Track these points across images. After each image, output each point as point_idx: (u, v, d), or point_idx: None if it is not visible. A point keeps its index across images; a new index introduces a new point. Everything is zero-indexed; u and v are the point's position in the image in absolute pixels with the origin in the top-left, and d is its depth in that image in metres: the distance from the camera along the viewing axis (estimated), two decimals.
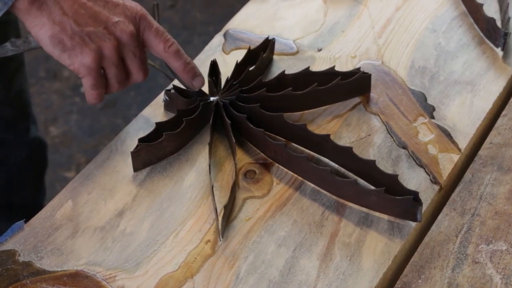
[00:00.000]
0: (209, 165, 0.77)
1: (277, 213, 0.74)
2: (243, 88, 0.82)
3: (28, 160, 1.29)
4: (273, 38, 0.90)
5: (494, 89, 0.86)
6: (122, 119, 1.80)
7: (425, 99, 0.85)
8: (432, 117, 0.83)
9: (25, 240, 0.72)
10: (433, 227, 0.73)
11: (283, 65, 0.90)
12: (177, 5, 2.11)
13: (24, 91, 1.24)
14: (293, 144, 0.80)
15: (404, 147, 0.80)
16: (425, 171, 0.77)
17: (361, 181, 0.75)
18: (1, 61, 1.13)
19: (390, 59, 0.90)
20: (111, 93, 0.81)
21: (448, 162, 0.78)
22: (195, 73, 0.81)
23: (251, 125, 0.78)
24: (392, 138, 0.81)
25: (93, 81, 0.77)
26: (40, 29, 0.75)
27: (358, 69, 0.85)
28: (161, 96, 0.85)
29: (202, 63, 0.90)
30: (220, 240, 0.71)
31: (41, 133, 1.36)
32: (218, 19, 2.06)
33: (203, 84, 0.82)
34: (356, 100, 0.85)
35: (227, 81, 0.84)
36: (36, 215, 0.75)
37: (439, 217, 0.73)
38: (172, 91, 0.83)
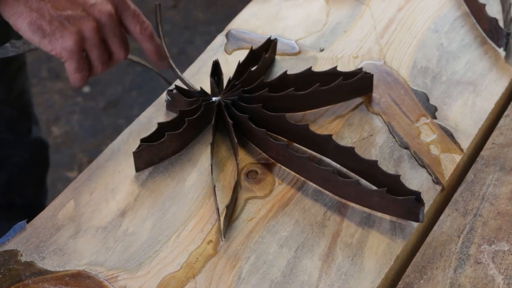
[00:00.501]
0: (211, 165, 0.77)
1: (279, 213, 0.74)
2: (245, 88, 0.82)
3: (30, 160, 1.29)
4: (275, 38, 0.90)
5: (496, 89, 0.86)
6: (124, 119, 1.80)
7: (427, 99, 0.85)
8: (434, 117, 0.83)
9: (27, 240, 0.72)
10: (435, 228, 0.72)
11: (285, 65, 0.90)
12: (179, 5, 2.11)
13: (26, 91, 1.24)
14: (295, 144, 0.80)
15: (406, 147, 0.80)
16: (427, 171, 0.77)
17: (363, 182, 0.75)
18: (2, 61, 1.13)
19: (392, 59, 0.90)
20: (95, 75, 0.81)
21: (450, 163, 0.78)
22: (164, 56, 0.84)
23: (253, 125, 0.78)
24: (394, 138, 0.81)
25: (76, 64, 0.77)
26: (18, 18, 0.75)
27: (360, 69, 0.85)
28: (163, 96, 0.85)
29: (204, 63, 0.90)
30: (222, 240, 0.71)
31: (43, 133, 1.36)
32: (220, 19, 2.06)
33: (169, 66, 0.84)
34: (358, 100, 0.85)
35: (229, 81, 0.84)
36: (38, 215, 0.75)
37: (441, 217, 0.73)
38: (174, 91, 0.83)
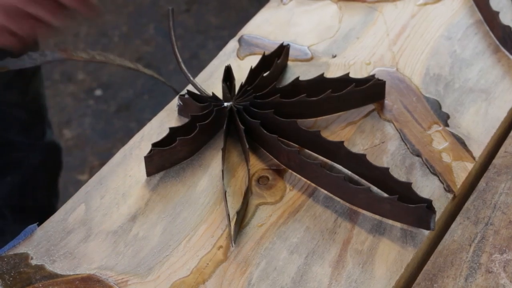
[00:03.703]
0: (222, 171, 0.77)
1: (289, 219, 0.74)
2: (257, 94, 0.82)
3: (43, 164, 1.29)
4: (288, 44, 0.90)
5: (509, 97, 0.86)
6: (136, 123, 1.81)
7: (440, 107, 0.85)
8: (447, 125, 0.83)
9: (37, 243, 0.73)
10: (446, 236, 0.72)
11: (297, 71, 0.90)
12: (191, 10, 2.11)
13: (40, 95, 1.25)
14: (306, 150, 0.80)
15: (418, 154, 0.80)
16: (439, 179, 0.77)
17: (374, 189, 0.75)
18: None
19: (405, 66, 0.90)
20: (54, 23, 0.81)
21: (462, 171, 0.78)
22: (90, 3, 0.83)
23: (265, 131, 0.78)
24: (406, 145, 0.81)
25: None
26: None
27: (373, 76, 0.85)
28: (175, 101, 0.86)
29: (216, 69, 0.90)
30: (232, 246, 0.71)
31: (55, 136, 1.37)
32: (233, 23, 2.06)
33: (98, 11, 0.83)
34: (370, 107, 0.85)
35: (241, 86, 0.84)
36: (49, 219, 0.75)
37: (453, 225, 0.73)
38: (186, 96, 0.83)
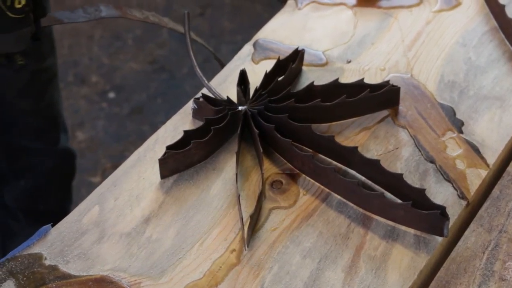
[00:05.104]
0: (236, 174, 0.77)
1: (303, 224, 0.74)
2: (272, 98, 0.82)
3: (56, 169, 1.30)
4: (303, 49, 0.90)
5: None
6: (149, 126, 1.81)
7: (454, 114, 0.85)
8: (461, 132, 0.83)
9: (51, 244, 0.73)
10: (460, 243, 0.72)
11: (312, 76, 0.90)
12: (205, 14, 2.12)
13: (55, 102, 1.25)
14: (320, 155, 0.80)
15: (432, 161, 0.80)
16: (453, 186, 0.77)
17: (388, 195, 0.75)
18: (33, 72, 1.15)
19: (420, 73, 0.90)
20: None
21: (476, 178, 0.78)
22: None
23: (279, 136, 0.78)
24: (420, 152, 0.81)
25: None
26: None
27: (387, 82, 0.85)
28: (190, 104, 0.86)
29: (231, 72, 0.91)
30: (246, 250, 0.71)
31: (70, 142, 1.37)
32: (246, 28, 2.07)
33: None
34: (385, 113, 0.85)
35: (256, 90, 0.84)
36: (63, 220, 0.75)
37: (466, 232, 0.73)
38: (201, 99, 0.84)
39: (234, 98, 0.84)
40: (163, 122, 0.85)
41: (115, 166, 0.81)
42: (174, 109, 0.88)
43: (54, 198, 1.33)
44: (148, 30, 2.06)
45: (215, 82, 0.89)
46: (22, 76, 1.14)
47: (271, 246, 0.72)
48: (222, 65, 0.85)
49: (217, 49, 1.99)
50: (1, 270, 0.71)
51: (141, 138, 1.73)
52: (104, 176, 1.61)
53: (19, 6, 0.87)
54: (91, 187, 1.65)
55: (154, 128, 0.85)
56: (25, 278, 0.70)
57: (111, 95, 1.93)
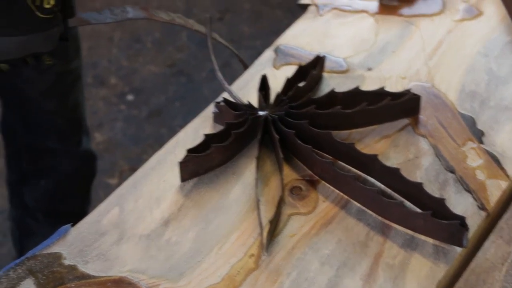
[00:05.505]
0: (256, 179, 0.77)
1: (321, 231, 0.74)
2: (293, 104, 0.82)
3: (77, 171, 1.31)
4: (324, 56, 0.91)
5: None
6: (167, 129, 1.81)
7: (475, 124, 0.84)
8: (481, 142, 0.82)
9: (71, 244, 0.73)
10: (479, 254, 0.72)
11: (332, 83, 0.90)
12: (225, 18, 2.12)
13: (79, 104, 1.26)
14: (340, 162, 0.80)
15: (452, 171, 0.79)
16: (473, 196, 0.77)
17: (407, 203, 0.75)
18: (58, 74, 1.16)
19: (441, 82, 0.90)
20: None
21: (496, 189, 0.78)
22: None
23: (299, 142, 0.78)
24: (440, 161, 0.80)
25: None
26: None
27: (408, 90, 0.85)
28: (210, 107, 0.86)
29: (252, 77, 0.91)
30: (264, 255, 0.71)
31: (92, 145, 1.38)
32: (265, 33, 2.07)
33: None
34: (405, 121, 0.85)
35: (277, 96, 0.84)
36: (83, 220, 0.76)
37: (486, 244, 0.73)
38: (222, 103, 0.84)
39: (254, 102, 0.84)
40: (181, 126, 0.85)
41: (132, 169, 0.82)
42: (192, 112, 0.88)
43: (74, 199, 1.34)
44: (167, 34, 2.06)
45: (235, 87, 0.89)
46: (48, 77, 1.15)
47: (289, 252, 0.72)
48: (246, 66, 0.85)
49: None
50: (20, 268, 0.71)
51: (159, 141, 1.74)
52: (122, 178, 1.62)
53: (48, 6, 0.88)
54: (108, 188, 1.66)
55: (172, 131, 0.86)
56: (44, 277, 0.70)
57: (130, 97, 1.94)
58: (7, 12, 0.90)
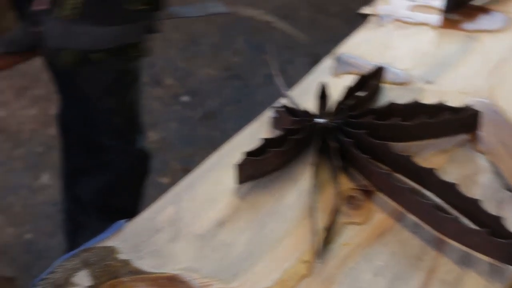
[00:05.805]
0: (312, 186, 0.77)
1: (376, 242, 0.73)
2: (352, 113, 0.82)
3: (131, 169, 1.32)
4: (384, 66, 0.90)
5: None
6: (219, 132, 1.83)
7: None
8: None
9: (126, 239, 0.74)
10: None
11: (391, 94, 0.90)
12: None
13: (136, 103, 1.28)
14: (396, 174, 0.79)
15: (510, 190, 0.78)
16: None
17: (463, 219, 0.74)
18: (118, 73, 1.18)
19: (502, 99, 0.89)
20: None
21: None
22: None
23: (357, 151, 0.78)
24: (499, 179, 0.79)
25: None
26: None
27: (468, 106, 0.84)
28: (267, 112, 0.87)
29: (309, 85, 0.91)
30: (317, 262, 0.72)
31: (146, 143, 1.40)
32: (320, 41, 2.07)
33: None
34: (464, 137, 0.84)
35: (336, 104, 0.84)
36: (138, 216, 0.77)
37: None
38: (282, 109, 0.84)
39: (310, 109, 0.84)
40: (234, 129, 0.86)
41: (184, 169, 0.83)
42: (246, 117, 0.89)
43: (127, 196, 1.35)
44: (224, 37, 2.08)
45: (293, 93, 0.90)
46: (108, 75, 1.17)
47: (343, 261, 0.72)
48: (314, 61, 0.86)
49: (290, 61, 2.00)
50: (75, 260, 0.72)
51: (212, 143, 1.75)
52: (174, 178, 1.63)
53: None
54: (160, 187, 1.68)
55: (225, 134, 0.87)
56: (99, 270, 0.71)
57: (185, 98, 1.95)
58: (103, 5, 0.93)
